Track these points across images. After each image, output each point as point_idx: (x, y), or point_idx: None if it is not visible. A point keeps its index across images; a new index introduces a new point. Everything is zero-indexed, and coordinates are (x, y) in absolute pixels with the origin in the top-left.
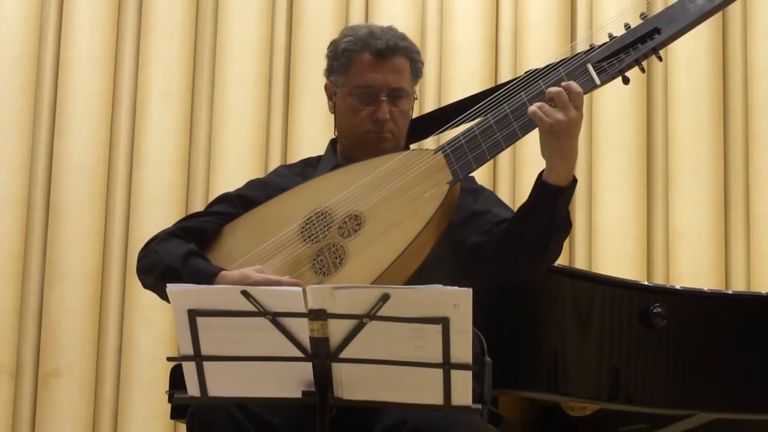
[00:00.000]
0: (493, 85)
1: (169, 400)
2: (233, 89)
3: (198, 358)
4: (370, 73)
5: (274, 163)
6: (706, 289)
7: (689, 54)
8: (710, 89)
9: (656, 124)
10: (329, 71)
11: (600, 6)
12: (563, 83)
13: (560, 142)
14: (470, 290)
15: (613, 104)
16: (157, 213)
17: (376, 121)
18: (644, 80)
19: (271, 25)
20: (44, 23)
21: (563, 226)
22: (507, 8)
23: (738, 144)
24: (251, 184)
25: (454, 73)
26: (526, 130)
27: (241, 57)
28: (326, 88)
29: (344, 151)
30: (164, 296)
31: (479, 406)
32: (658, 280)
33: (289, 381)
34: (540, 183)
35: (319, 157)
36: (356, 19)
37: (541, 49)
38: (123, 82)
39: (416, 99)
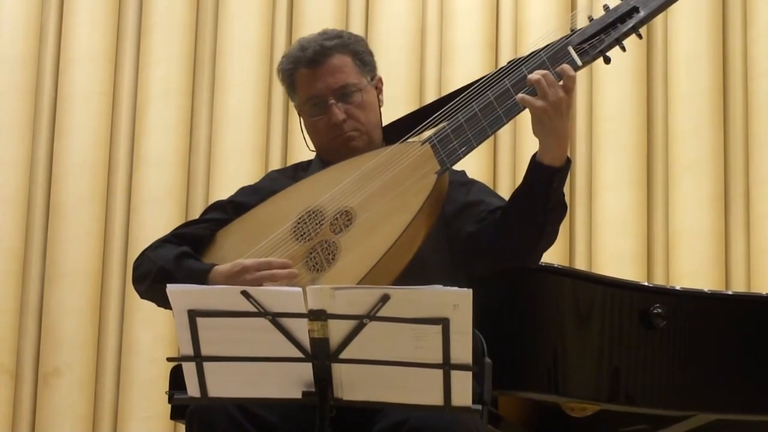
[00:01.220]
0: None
1: (169, 401)
2: (233, 90)
3: (198, 358)
4: (311, 84)
5: (275, 164)
6: (706, 289)
7: (689, 52)
8: (710, 88)
9: (656, 122)
10: (289, 97)
11: (599, 7)
12: (558, 68)
13: (553, 123)
14: (470, 291)
15: (612, 103)
16: (158, 213)
17: (334, 126)
18: (644, 79)
19: (271, 26)
20: (44, 23)
21: (559, 208)
22: (507, 9)
23: (738, 143)
24: (243, 191)
25: (454, 73)
26: (510, 114)
27: (241, 58)
28: (297, 110)
29: (326, 162)
30: (160, 302)
31: (479, 406)
32: (659, 279)
33: (289, 381)
34: (534, 165)
35: (309, 161)
36: (356, 19)
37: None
38: (123, 83)
39: (378, 87)
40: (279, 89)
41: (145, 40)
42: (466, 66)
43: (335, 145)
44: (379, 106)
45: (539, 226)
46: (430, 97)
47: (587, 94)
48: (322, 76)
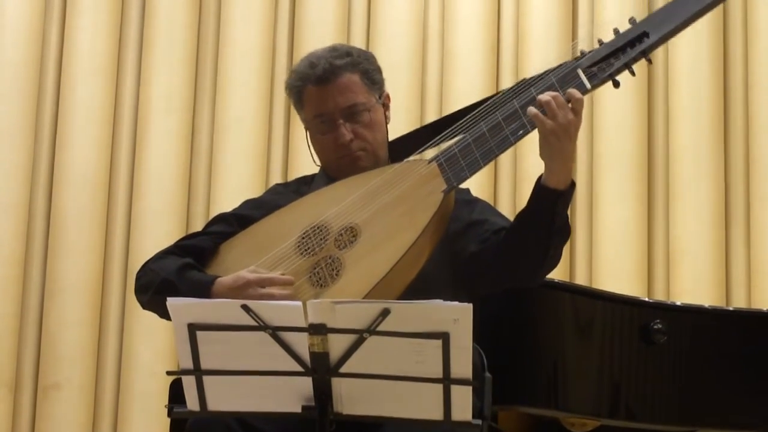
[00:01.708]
0: (494, 90)
1: (169, 414)
2: (234, 103)
3: (197, 372)
4: (319, 102)
5: (276, 178)
6: (706, 305)
7: (690, 69)
8: (711, 105)
9: (657, 139)
10: (296, 111)
11: (601, 13)
12: (568, 90)
13: (561, 144)
14: (470, 305)
15: (613, 119)
16: (158, 226)
17: (341, 146)
18: (645, 95)
19: (272, 41)
20: (46, 35)
21: (563, 231)
22: (508, 15)
23: (739, 159)
24: (247, 204)
25: (456, 78)
26: (517, 135)
27: (242, 71)
28: (304, 124)
29: (331, 177)
30: (162, 312)
31: (479, 421)
32: (659, 295)
33: (289, 395)
34: (539, 187)
35: (313, 175)
36: (357, 33)
37: (542, 57)
38: (125, 95)
39: (386, 104)
40: (280, 103)
41: (147, 52)
42: (468, 72)
43: (342, 164)
44: (386, 123)
45: (543, 249)
46: (431, 104)
47: (588, 111)
48: (331, 95)
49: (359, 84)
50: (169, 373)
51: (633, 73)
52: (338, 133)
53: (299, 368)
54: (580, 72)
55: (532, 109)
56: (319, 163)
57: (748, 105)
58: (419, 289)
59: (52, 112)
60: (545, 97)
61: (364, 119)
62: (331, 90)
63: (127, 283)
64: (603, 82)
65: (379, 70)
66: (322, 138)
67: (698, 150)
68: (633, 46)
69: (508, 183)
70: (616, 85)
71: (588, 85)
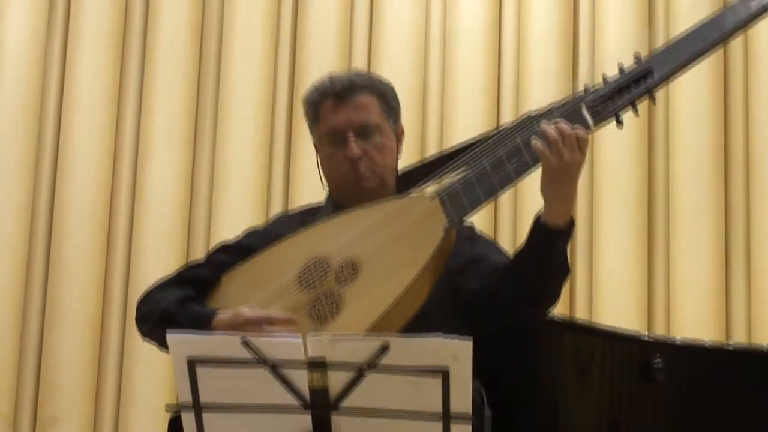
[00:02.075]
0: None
1: None
2: (235, 138)
3: (197, 407)
4: (333, 116)
5: (276, 210)
6: (706, 341)
7: (690, 105)
8: (711, 142)
9: (657, 175)
10: (309, 129)
11: (602, 53)
12: (569, 128)
13: (562, 183)
14: (470, 341)
15: (613, 155)
16: (158, 260)
17: (350, 161)
18: (645, 131)
19: (273, 76)
20: (47, 70)
21: (562, 269)
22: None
23: (739, 196)
24: (250, 234)
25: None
26: (520, 172)
27: (243, 107)
28: (314, 145)
29: (336, 199)
30: (161, 343)
31: None
32: (659, 331)
33: (288, 431)
34: (538, 225)
35: (318, 207)
36: (359, 61)
37: (542, 90)
38: (125, 131)
39: (399, 136)
40: (281, 138)
41: (148, 88)
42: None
43: (348, 183)
44: (397, 153)
45: (541, 288)
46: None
47: (588, 146)
48: (346, 111)
49: (376, 105)
50: (168, 407)
51: (636, 113)
52: (348, 148)
53: (299, 403)
54: (584, 110)
55: (538, 145)
56: (326, 185)
57: (749, 142)
58: (419, 325)
59: (52, 150)
60: (553, 133)
61: (375, 140)
62: (348, 106)
63: (126, 317)
64: (607, 120)
65: (397, 100)
66: (332, 154)
67: (698, 186)
68: (637, 84)
69: (508, 217)
70: (620, 124)
71: (591, 124)
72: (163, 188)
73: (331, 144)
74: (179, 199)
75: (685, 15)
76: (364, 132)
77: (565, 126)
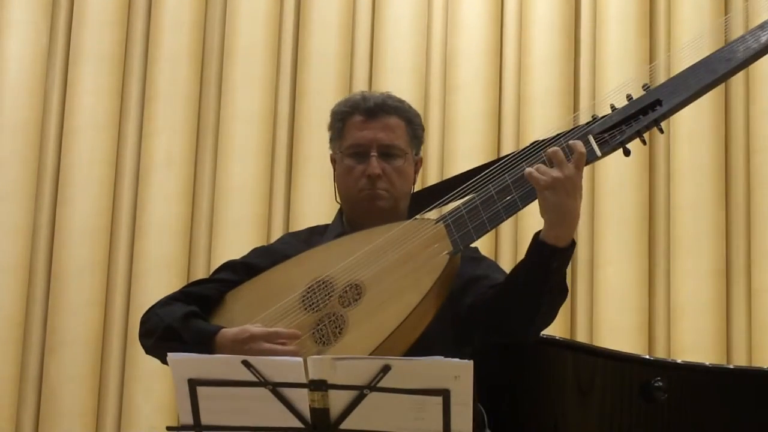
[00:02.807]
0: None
1: None
2: (236, 159)
3: (198, 427)
4: (360, 131)
5: (277, 233)
6: (707, 363)
7: (692, 127)
8: (712, 162)
9: (658, 196)
10: (330, 140)
11: (602, 81)
12: (569, 141)
13: (558, 200)
14: (471, 362)
15: (615, 177)
16: (159, 282)
17: (369, 177)
18: (647, 153)
19: (274, 96)
20: (48, 91)
21: (558, 290)
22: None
23: (740, 217)
24: (256, 252)
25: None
26: (526, 200)
27: (244, 127)
28: (331, 158)
29: (348, 215)
30: (164, 359)
31: None
32: (660, 352)
33: None
34: (536, 242)
35: (326, 226)
36: (360, 86)
37: (543, 109)
38: (126, 151)
39: (419, 163)
40: (282, 158)
41: (149, 108)
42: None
43: (362, 197)
44: (413, 182)
45: (535, 304)
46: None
47: (589, 170)
48: (374, 128)
49: (403, 130)
50: (169, 429)
51: (644, 142)
52: (369, 164)
53: (300, 424)
54: (591, 139)
55: (527, 169)
56: (338, 200)
57: (749, 163)
58: (421, 347)
59: (53, 171)
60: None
61: (397, 164)
62: (377, 124)
63: (127, 337)
64: (614, 149)
65: (423, 129)
66: (351, 167)
67: (699, 208)
68: (645, 114)
69: (509, 242)
70: (627, 153)
71: (599, 153)
72: (163, 208)
73: (352, 158)
74: (180, 218)
75: (687, 23)
76: (387, 154)
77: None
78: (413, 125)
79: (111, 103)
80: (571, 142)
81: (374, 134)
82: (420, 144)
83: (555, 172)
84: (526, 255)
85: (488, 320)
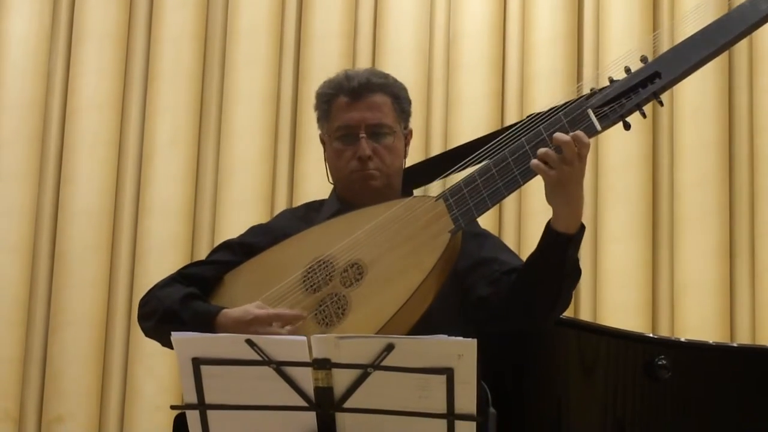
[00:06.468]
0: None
1: None
2: (239, 139)
3: (202, 406)
4: (347, 113)
5: (281, 209)
6: (710, 341)
7: (695, 105)
8: (716, 141)
9: (662, 175)
10: (318, 121)
11: (606, 60)
12: (571, 134)
13: (567, 190)
14: (474, 341)
15: (618, 155)
16: (162, 262)
17: (359, 159)
18: (650, 131)
19: (277, 75)
20: (51, 71)
21: (573, 274)
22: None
23: (743, 195)
24: (253, 230)
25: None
26: (526, 177)
27: (247, 106)
28: (320, 138)
29: (341, 195)
30: (165, 342)
31: None
32: (663, 330)
33: (293, 430)
34: (549, 233)
35: (322, 201)
36: (363, 65)
37: (547, 91)
38: (129, 131)
39: (408, 136)
40: (285, 139)
41: (152, 88)
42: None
43: (355, 179)
44: (404, 156)
45: (554, 294)
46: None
47: (592, 147)
48: (360, 109)
49: (390, 107)
50: (173, 407)
51: (644, 115)
52: (359, 146)
53: (303, 403)
54: (591, 113)
55: (534, 161)
56: (331, 180)
57: (753, 142)
58: (424, 325)
59: (57, 151)
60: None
61: (386, 141)
62: (362, 104)
63: (131, 316)
64: (614, 123)
65: (409, 102)
66: (341, 150)
67: (703, 186)
68: (644, 86)
69: (512, 219)
70: (627, 127)
71: (599, 127)
72: (167, 188)
73: (341, 140)
74: (183, 198)
75: (690, 14)
76: (375, 133)
77: (564, 139)
78: (399, 100)
79: (114, 83)
80: (574, 134)
81: (361, 115)
82: (408, 117)
83: (565, 167)
84: (540, 247)
85: (507, 312)
